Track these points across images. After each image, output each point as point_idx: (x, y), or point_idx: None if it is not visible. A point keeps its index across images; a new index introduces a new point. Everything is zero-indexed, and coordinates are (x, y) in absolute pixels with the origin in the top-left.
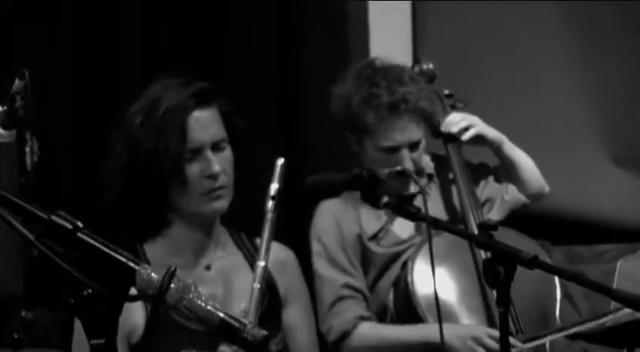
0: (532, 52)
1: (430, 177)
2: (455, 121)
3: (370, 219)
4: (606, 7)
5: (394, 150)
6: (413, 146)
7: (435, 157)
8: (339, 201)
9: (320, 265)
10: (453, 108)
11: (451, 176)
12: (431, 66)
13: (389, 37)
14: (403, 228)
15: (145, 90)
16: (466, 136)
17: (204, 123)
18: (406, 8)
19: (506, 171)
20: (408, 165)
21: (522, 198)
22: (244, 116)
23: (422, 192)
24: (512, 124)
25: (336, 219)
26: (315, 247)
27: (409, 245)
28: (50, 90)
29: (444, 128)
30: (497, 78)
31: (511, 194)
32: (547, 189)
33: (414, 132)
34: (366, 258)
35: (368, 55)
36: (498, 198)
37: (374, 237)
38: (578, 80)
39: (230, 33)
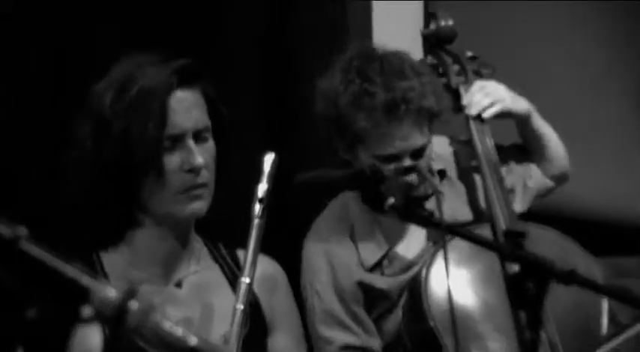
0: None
1: (442, 174)
2: (475, 100)
3: (370, 248)
4: None
5: (393, 159)
6: (416, 153)
7: (454, 142)
8: (330, 228)
9: (316, 320)
10: (477, 75)
11: (474, 163)
12: (450, 22)
13: (394, 15)
14: (410, 246)
15: (114, 67)
16: (488, 113)
17: (188, 107)
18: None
19: (532, 148)
20: (412, 178)
21: (547, 181)
22: (229, 104)
23: (435, 192)
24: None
25: (330, 258)
26: (309, 296)
27: (421, 264)
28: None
29: (468, 111)
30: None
31: (535, 178)
32: (569, 168)
33: (417, 137)
34: (372, 296)
35: (370, 36)
36: (520, 186)
37: (377, 267)
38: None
39: (216, 15)
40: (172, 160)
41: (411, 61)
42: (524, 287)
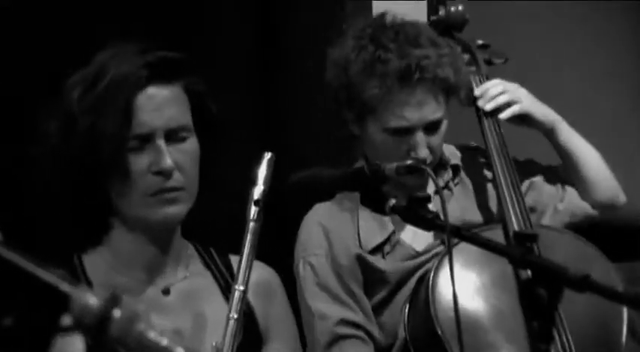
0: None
1: (455, 169)
2: (491, 94)
3: (372, 229)
4: None
5: (406, 132)
6: (430, 127)
7: (463, 148)
8: (331, 206)
9: (308, 295)
10: (489, 64)
11: (486, 172)
12: (460, 8)
13: None
14: (418, 236)
15: (95, 56)
16: (505, 114)
17: (159, 104)
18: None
19: (566, 167)
20: (424, 153)
21: (587, 207)
22: (219, 100)
23: (439, 192)
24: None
25: (327, 232)
26: (302, 271)
27: (428, 257)
28: None
29: (479, 100)
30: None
31: (569, 201)
32: (623, 197)
33: (432, 108)
34: (371, 278)
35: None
36: (550, 208)
37: (378, 250)
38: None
39: (211, 11)
40: (139, 161)
41: (428, 31)
42: (535, 294)
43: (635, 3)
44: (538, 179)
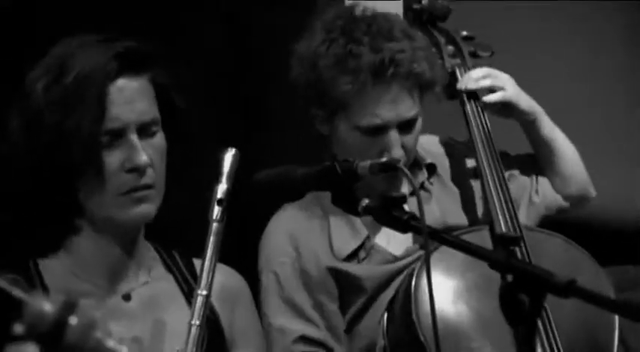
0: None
1: (431, 169)
2: (475, 77)
3: (344, 235)
4: None
5: (379, 131)
6: (404, 126)
7: (446, 141)
8: (299, 210)
9: (271, 308)
10: (475, 56)
11: (471, 165)
12: None
13: None
14: (394, 240)
15: (52, 49)
16: (489, 99)
17: (130, 97)
18: None
19: (541, 159)
20: (398, 154)
21: (559, 200)
22: (185, 93)
23: (416, 192)
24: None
25: (295, 240)
26: (265, 281)
27: (408, 262)
28: None
29: (461, 85)
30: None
31: (544, 194)
32: (593, 192)
33: (407, 106)
34: (347, 287)
35: None
36: (524, 200)
37: (352, 256)
38: None
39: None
40: (112, 158)
41: (401, 23)
42: (517, 300)
43: (630, 3)
44: (515, 172)
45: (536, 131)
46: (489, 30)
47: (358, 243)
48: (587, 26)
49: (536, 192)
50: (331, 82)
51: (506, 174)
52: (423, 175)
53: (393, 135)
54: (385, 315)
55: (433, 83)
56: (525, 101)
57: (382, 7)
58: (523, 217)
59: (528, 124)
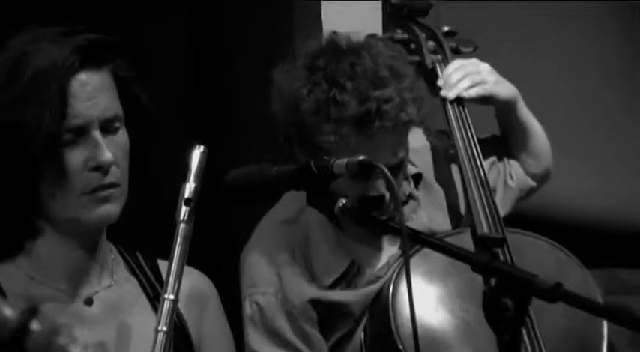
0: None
1: (417, 179)
2: (454, 80)
3: (327, 261)
4: None
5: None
6: (391, 170)
7: (429, 133)
8: (280, 230)
9: (255, 338)
10: (456, 52)
11: (453, 155)
12: None
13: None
14: (377, 258)
15: (8, 43)
16: (468, 94)
17: (92, 92)
18: None
19: (515, 142)
20: (387, 196)
21: (529, 180)
22: (149, 88)
23: (394, 194)
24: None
25: (277, 267)
26: (249, 310)
27: (390, 276)
28: None
29: (442, 89)
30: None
31: (517, 177)
32: (552, 166)
33: (392, 155)
34: (333, 315)
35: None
36: (500, 185)
37: (337, 283)
38: None
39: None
40: (75, 156)
41: (387, 57)
42: (501, 305)
43: (626, 3)
44: (494, 157)
45: (514, 114)
46: (475, 27)
47: (341, 270)
48: (581, 26)
49: (510, 175)
50: (313, 128)
51: (489, 161)
52: (409, 186)
53: (379, 183)
54: (362, 325)
55: (420, 123)
56: (505, 89)
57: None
58: (499, 202)
59: (506, 110)
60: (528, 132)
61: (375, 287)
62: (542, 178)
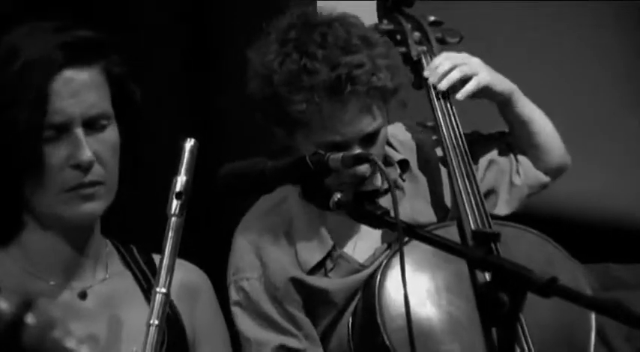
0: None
1: (404, 165)
2: (443, 70)
3: (309, 245)
4: None
5: (340, 147)
6: (367, 139)
7: (413, 128)
8: (264, 217)
9: (244, 324)
10: (442, 43)
11: (439, 153)
12: None
13: None
14: (359, 246)
15: (4, 37)
16: (463, 93)
17: (77, 89)
18: None
19: (519, 136)
20: (363, 169)
21: (541, 176)
22: (143, 84)
23: (390, 186)
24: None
25: (260, 252)
26: (235, 296)
27: (376, 267)
28: None
29: (429, 77)
30: None
31: (525, 173)
32: (569, 158)
33: (367, 120)
34: (314, 300)
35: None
36: (504, 184)
37: (319, 268)
38: None
39: None
40: (56, 153)
41: (360, 28)
42: (496, 299)
43: (625, 3)
44: (494, 154)
45: (513, 109)
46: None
47: (324, 253)
48: (580, 27)
49: (517, 172)
50: (287, 100)
51: (486, 159)
52: (395, 172)
53: (357, 150)
54: (351, 319)
55: (395, 91)
56: (499, 81)
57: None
58: (504, 200)
59: (504, 103)
60: (532, 127)
61: (358, 276)
62: (556, 172)
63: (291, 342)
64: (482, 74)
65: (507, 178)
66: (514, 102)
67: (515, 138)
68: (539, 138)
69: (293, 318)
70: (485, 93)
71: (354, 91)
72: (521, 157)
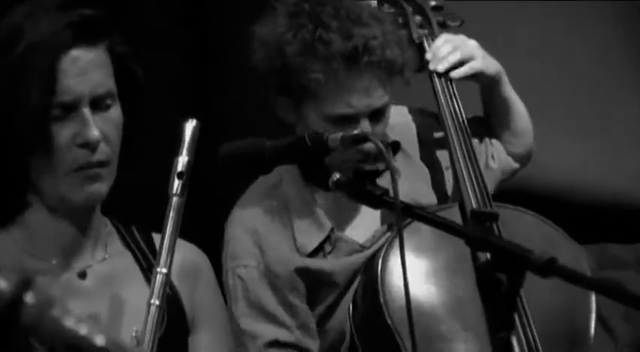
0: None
1: (395, 147)
2: (442, 54)
3: (308, 228)
4: None
5: (349, 120)
6: (375, 115)
7: (414, 112)
8: (260, 201)
9: (239, 313)
10: (443, 27)
11: (439, 136)
12: None
13: None
14: (358, 227)
15: (6, 16)
16: (457, 74)
17: (84, 68)
18: None
19: (497, 120)
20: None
21: (511, 161)
22: (145, 64)
23: (390, 167)
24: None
25: (258, 238)
26: (231, 283)
27: (376, 249)
28: None
29: (430, 62)
30: None
31: (499, 158)
32: (533, 145)
33: (379, 94)
34: (318, 284)
35: None
36: (481, 166)
37: (318, 251)
38: None
39: None
40: (63, 133)
41: (369, 6)
42: (495, 279)
43: (625, 3)
44: (475, 138)
45: (498, 91)
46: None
47: (323, 236)
48: (581, 27)
49: (492, 157)
50: (300, 70)
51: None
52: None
53: (364, 124)
54: (351, 300)
55: (404, 68)
56: (493, 65)
57: None
58: None
59: (491, 86)
60: (512, 110)
61: (360, 256)
62: (523, 159)
63: (285, 336)
64: (478, 58)
65: (483, 161)
66: (502, 84)
67: (493, 122)
68: (518, 122)
69: (291, 307)
70: (478, 76)
71: (370, 63)
72: (495, 141)
